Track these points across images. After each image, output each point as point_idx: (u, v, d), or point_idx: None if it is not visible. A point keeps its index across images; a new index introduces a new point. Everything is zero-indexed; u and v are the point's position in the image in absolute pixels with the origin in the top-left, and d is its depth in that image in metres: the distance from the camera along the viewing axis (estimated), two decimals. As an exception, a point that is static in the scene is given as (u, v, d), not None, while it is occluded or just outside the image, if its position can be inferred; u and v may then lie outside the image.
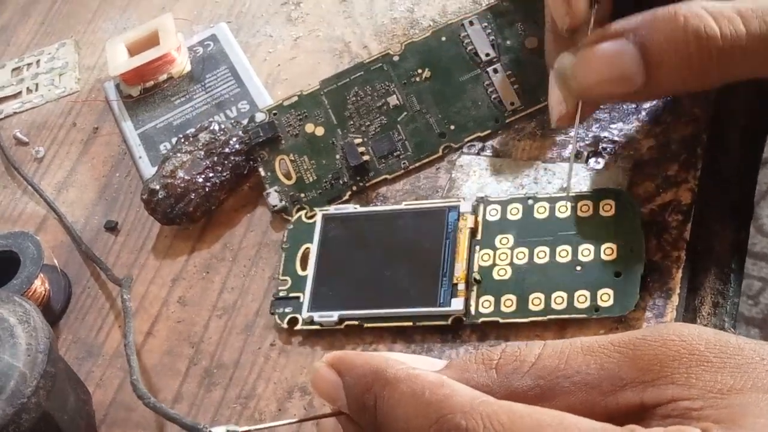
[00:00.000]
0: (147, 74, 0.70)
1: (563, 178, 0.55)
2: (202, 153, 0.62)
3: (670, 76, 0.43)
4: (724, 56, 0.39)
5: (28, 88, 0.77)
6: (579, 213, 0.51)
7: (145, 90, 0.70)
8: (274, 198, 0.61)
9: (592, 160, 0.56)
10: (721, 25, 0.39)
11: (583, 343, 0.35)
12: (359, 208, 0.57)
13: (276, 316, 0.55)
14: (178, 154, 0.62)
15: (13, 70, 0.79)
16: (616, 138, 0.57)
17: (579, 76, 0.47)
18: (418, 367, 0.36)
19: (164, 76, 0.69)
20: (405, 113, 0.61)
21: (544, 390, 0.34)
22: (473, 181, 0.58)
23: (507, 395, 0.35)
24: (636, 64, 0.43)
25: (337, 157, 0.60)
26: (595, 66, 0.45)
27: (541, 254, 0.51)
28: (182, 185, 0.61)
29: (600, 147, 0.56)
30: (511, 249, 0.52)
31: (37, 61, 0.79)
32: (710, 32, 0.40)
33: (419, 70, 0.62)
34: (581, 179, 0.55)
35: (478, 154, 0.59)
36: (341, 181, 0.59)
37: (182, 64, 0.70)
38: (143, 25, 0.72)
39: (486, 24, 0.61)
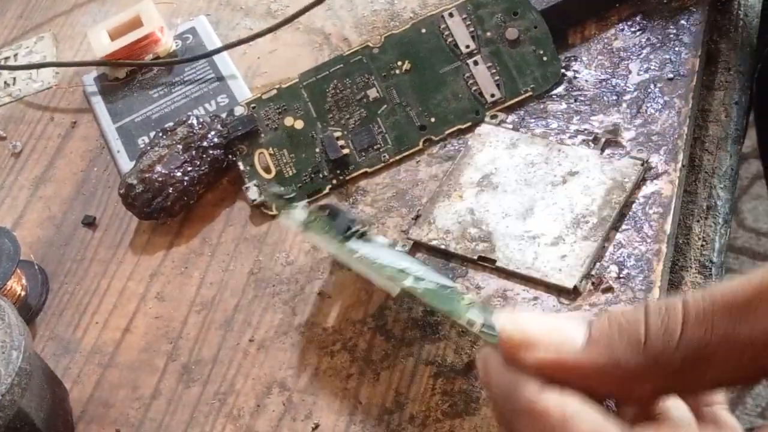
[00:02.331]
0: (132, 55, 0.69)
1: (574, 162, 0.55)
2: (181, 147, 0.61)
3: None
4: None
5: (5, 82, 0.76)
6: None
7: (131, 72, 0.69)
8: (253, 192, 0.60)
9: (608, 150, 0.55)
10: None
11: (725, 299, 0.31)
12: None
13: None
14: (156, 149, 0.62)
15: (-10, 64, 0.78)
16: (596, 129, 0.56)
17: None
18: (557, 332, 0.34)
19: (150, 57, 0.69)
20: (385, 106, 0.60)
21: (693, 363, 0.32)
22: (487, 152, 0.57)
23: (657, 378, 0.33)
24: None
25: (317, 150, 0.59)
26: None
27: None
28: (160, 180, 0.60)
29: (619, 137, 0.56)
30: None
31: (15, 55, 0.78)
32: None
33: (399, 63, 0.61)
34: (591, 166, 0.54)
35: (498, 124, 0.58)
36: (321, 175, 0.59)
37: (167, 43, 0.70)
38: (123, 12, 0.72)
39: (466, 16, 0.61)
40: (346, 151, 0.59)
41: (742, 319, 0.31)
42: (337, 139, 0.59)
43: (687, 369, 0.32)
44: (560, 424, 0.32)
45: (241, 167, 0.60)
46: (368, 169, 0.59)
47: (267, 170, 0.59)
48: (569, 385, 0.33)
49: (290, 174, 0.59)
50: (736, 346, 0.31)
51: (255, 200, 0.60)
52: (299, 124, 0.60)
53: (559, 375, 0.33)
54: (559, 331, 0.34)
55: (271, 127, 0.60)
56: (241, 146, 0.60)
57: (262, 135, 0.60)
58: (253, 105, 0.61)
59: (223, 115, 0.62)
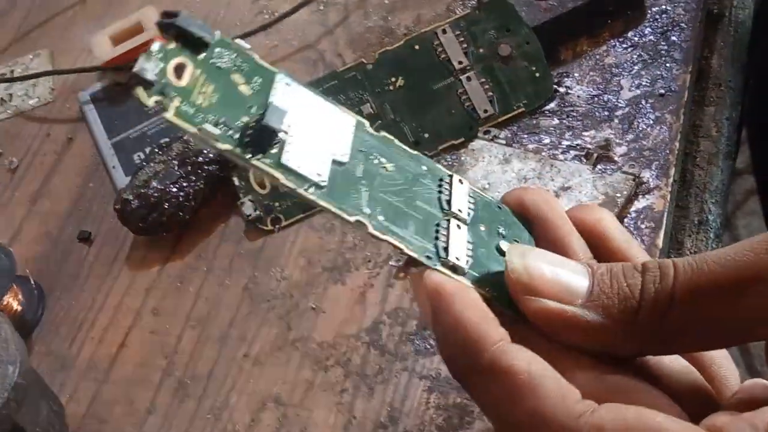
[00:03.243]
0: (133, 60, 0.70)
1: (566, 177, 0.55)
2: (176, 163, 0.61)
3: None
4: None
5: (1, 98, 0.77)
6: None
7: (131, 77, 0.70)
8: (248, 207, 0.60)
9: (600, 166, 0.56)
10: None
11: (715, 276, 0.31)
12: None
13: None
14: (152, 164, 0.62)
15: (-13, 80, 0.78)
16: (588, 145, 0.57)
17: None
18: (562, 281, 0.34)
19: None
20: (379, 122, 0.61)
21: (682, 334, 0.32)
22: (480, 167, 0.57)
23: (645, 343, 0.33)
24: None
25: None
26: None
27: None
28: (156, 195, 0.61)
29: (610, 153, 0.56)
30: None
31: (11, 72, 0.78)
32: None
33: (393, 79, 0.61)
34: (583, 181, 0.55)
35: (491, 140, 0.59)
36: None
37: None
38: (125, 19, 0.72)
39: (459, 32, 0.61)
40: (283, 135, 0.49)
41: (731, 301, 0.31)
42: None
43: (676, 338, 0.33)
44: (527, 385, 0.31)
45: (236, 183, 0.61)
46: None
47: (262, 185, 0.57)
48: (560, 337, 0.33)
49: (198, 101, 0.46)
50: (724, 324, 0.32)
51: (250, 215, 0.60)
52: (245, 89, 0.56)
53: (554, 326, 0.33)
54: (564, 279, 0.34)
55: (216, 65, 0.56)
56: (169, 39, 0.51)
57: (202, 56, 0.53)
58: (218, 37, 0.58)
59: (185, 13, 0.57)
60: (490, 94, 0.60)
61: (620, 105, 0.58)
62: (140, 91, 0.33)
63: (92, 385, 0.58)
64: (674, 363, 0.35)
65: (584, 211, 0.38)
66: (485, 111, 0.60)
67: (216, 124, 0.34)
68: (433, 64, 0.61)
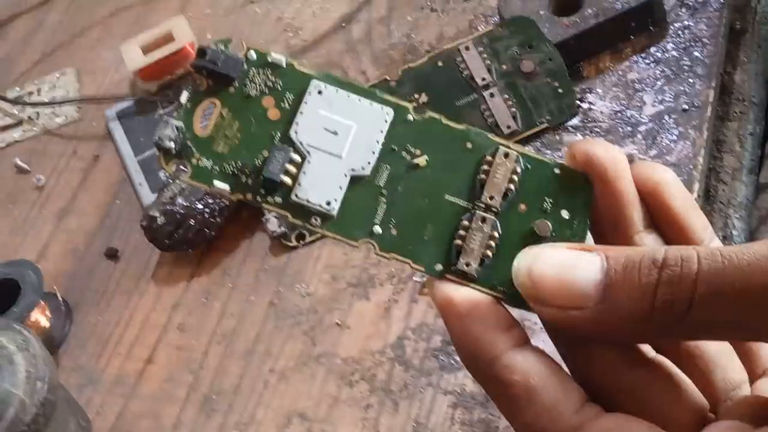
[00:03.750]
0: (165, 69, 0.72)
1: None
2: (202, 180, 0.62)
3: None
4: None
5: (29, 116, 0.78)
6: None
7: (161, 86, 0.72)
8: (273, 224, 0.61)
9: None
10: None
11: (739, 283, 0.31)
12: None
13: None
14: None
15: (15, 99, 0.79)
16: (612, 161, 0.57)
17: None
18: (570, 280, 0.33)
19: (181, 71, 0.72)
20: (403, 138, 0.61)
21: (697, 332, 0.32)
22: None
23: (660, 337, 0.33)
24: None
25: (264, 153, 0.59)
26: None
27: None
28: (182, 212, 0.61)
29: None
30: None
31: (38, 90, 0.79)
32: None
33: (416, 95, 0.62)
34: None
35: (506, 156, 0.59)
36: (244, 179, 0.58)
37: None
38: (156, 28, 0.73)
39: (482, 49, 0.62)
40: (286, 179, 0.37)
41: (757, 303, 0.30)
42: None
43: (695, 335, 0.33)
44: (524, 395, 0.32)
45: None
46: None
47: (202, 126, 0.39)
48: (576, 335, 0.33)
49: (219, 148, 0.38)
50: (748, 325, 0.31)
51: (275, 232, 0.61)
52: (274, 114, 0.38)
53: (566, 329, 0.33)
54: (572, 284, 0.33)
55: (246, 93, 0.38)
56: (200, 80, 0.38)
57: (232, 89, 0.38)
58: (254, 56, 0.42)
59: (214, 46, 0.44)
60: (513, 110, 0.60)
61: (643, 120, 0.58)
62: (161, 159, 0.36)
63: (119, 401, 0.58)
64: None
65: (647, 172, 0.36)
66: (508, 127, 0.60)
67: (231, 173, 0.36)
68: (457, 80, 0.61)
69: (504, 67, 0.61)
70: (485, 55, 0.61)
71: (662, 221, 0.36)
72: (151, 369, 0.59)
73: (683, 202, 0.36)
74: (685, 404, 0.33)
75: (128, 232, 0.66)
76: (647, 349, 0.35)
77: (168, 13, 0.78)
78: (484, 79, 0.61)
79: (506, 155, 0.37)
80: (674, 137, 0.57)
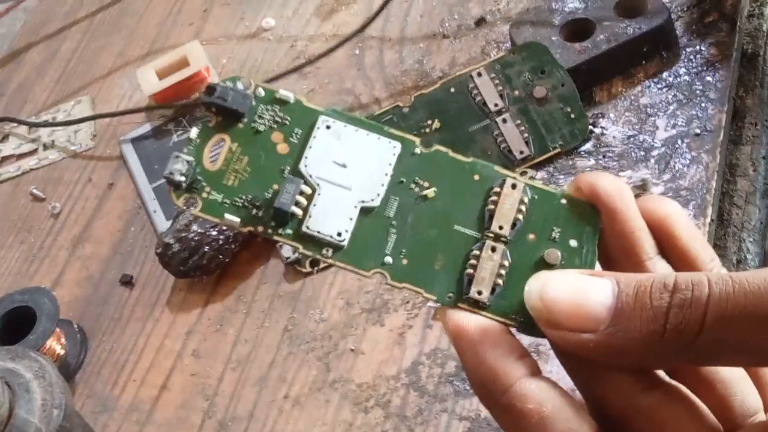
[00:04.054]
0: (180, 93, 0.73)
1: None
2: (216, 206, 0.62)
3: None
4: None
5: (44, 144, 0.78)
6: None
7: (176, 114, 0.73)
8: (287, 250, 0.61)
9: None
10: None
11: (748, 305, 0.31)
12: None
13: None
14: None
15: (30, 127, 0.80)
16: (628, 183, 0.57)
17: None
18: (582, 305, 0.33)
19: (196, 95, 0.73)
20: (416, 164, 0.61)
21: (709, 356, 0.32)
22: None
23: (672, 362, 0.33)
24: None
25: (274, 186, 0.58)
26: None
27: None
28: (196, 239, 0.61)
29: (647, 193, 0.56)
30: None
31: (54, 118, 0.80)
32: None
33: (429, 121, 0.62)
34: None
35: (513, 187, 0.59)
36: (254, 211, 0.58)
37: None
38: (171, 52, 0.74)
39: (494, 75, 0.62)
40: (297, 211, 0.37)
41: (762, 332, 0.30)
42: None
43: (706, 360, 0.32)
44: (538, 424, 0.32)
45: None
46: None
47: (212, 160, 0.41)
48: (587, 359, 0.33)
49: (229, 182, 0.40)
50: (760, 350, 0.31)
51: (289, 258, 0.61)
52: (283, 148, 0.39)
53: (579, 353, 0.33)
54: (584, 307, 0.33)
55: (255, 129, 0.40)
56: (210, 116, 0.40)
57: (241, 124, 0.40)
58: (262, 93, 0.40)
59: (227, 83, 0.48)
60: (526, 135, 0.60)
61: (656, 145, 0.58)
62: (171, 193, 0.37)
63: (134, 427, 0.58)
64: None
65: (653, 204, 0.37)
66: (521, 152, 0.60)
67: (242, 206, 0.37)
68: (469, 106, 0.62)
69: (516, 92, 0.61)
70: (497, 81, 0.62)
71: (670, 253, 0.36)
72: (166, 395, 0.59)
73: (690, 233, 0.36)
74: (702, 428, 0.33)
75: (143, 259, 0.67)
76: (661, 374, 0.35)
77: (182, 40, 0.79)
78: (496, 105, 0.61)
79: (513, 186, 0.37)
80: (687, 161, 0.57)
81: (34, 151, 0.78)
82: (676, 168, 0.57)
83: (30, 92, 0.83)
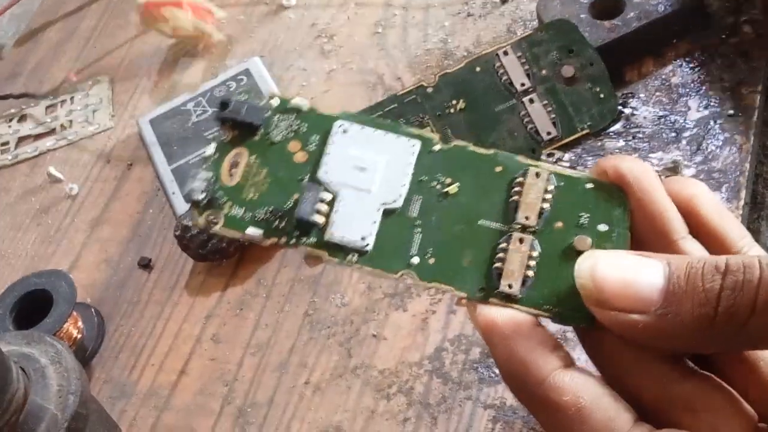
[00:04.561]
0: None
1: None
2: (235, 188, 0.61)
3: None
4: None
5: (62, 125, 0.77)
6: None
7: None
8: (308, 233, 0.60)
9: None
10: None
11: None
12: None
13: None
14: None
15: (48, 107, 0.79)
16: (656, 167, 0.55)
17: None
18: (632, 285, 0.32)
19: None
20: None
21: (759, 340, 0.31)
22: None
23: (722, 345, 0.32)
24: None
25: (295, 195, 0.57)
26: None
27: None
28: (215, 221, 0.60)
29: (679, 175, 0.55)
30: None
31: (72, 98, 0.79)
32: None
33: (454, 102, 0.61)
34: None
35: (555, 163, 0.58)
36: (278, 224, 0.57)
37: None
38: None
39: (521, 54, 0.60)
40: (319, 219, 0.37)
41: None
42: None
43: (758, 343, 0.32)
44: (575, 416, 0.32)
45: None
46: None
47: (231, 175, 0.41)
48: (635, 342, 0.33)
49: (249, 196, 0.40)
50: None
51: (310, 241, 0.60)
52: (300, 157, 0.40)
53: (627, 335, 0.32)
54: (635, 288, 0.32)
55: (272, 139, 0.41)
56: (225, 131, 0.41)
57: (257, 137, 0.40)
58: (277, 102, 0.41)
59: (236, 97, 0.46)
60: (554, 116, 0.59)
61: (688, 126, 0.57)
62: (193, 211, 0.37)
63: (153, 413, 0.57)
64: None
65: (679, 185, 0.37)
66: (548, 133, 0.58)
67: (263, 219, 0.37)
68: (495, 86, 0.60)
69: (544, 72, 0.59)
70: (524, 60, 0.60)
71: (699, 233, 0.36)
72: (184, 381, 0.58)
73: (718, 212, 0.36)
74: (739, 415, 0.33)
75: (161, 242, 0.66)
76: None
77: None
78: (523, 85, 0.59)
79: (537, 175, 0.37)
80: (720, 143, 0.55)
81: (51, 131, 0.77)
82: (709, 150, 0.55)
83: (47, 72, 0.82)
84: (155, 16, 0.73)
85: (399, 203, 0.37)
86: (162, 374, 0.59)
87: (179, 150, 0.68)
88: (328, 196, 0.37)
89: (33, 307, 0.59)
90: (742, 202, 0.53)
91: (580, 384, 0.32)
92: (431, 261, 0.36)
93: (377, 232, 0.36)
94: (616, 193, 0.36)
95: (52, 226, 0.70)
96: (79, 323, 0.61)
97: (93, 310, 0.63)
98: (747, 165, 0.54)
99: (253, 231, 0.37)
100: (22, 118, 0.79)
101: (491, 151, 0.37)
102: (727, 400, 0.33)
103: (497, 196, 0.37)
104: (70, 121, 0.77)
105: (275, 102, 0.38)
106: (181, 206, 0.65)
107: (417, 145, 0.38)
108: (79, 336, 0.60)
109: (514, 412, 0.50)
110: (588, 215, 0.36)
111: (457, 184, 0.37)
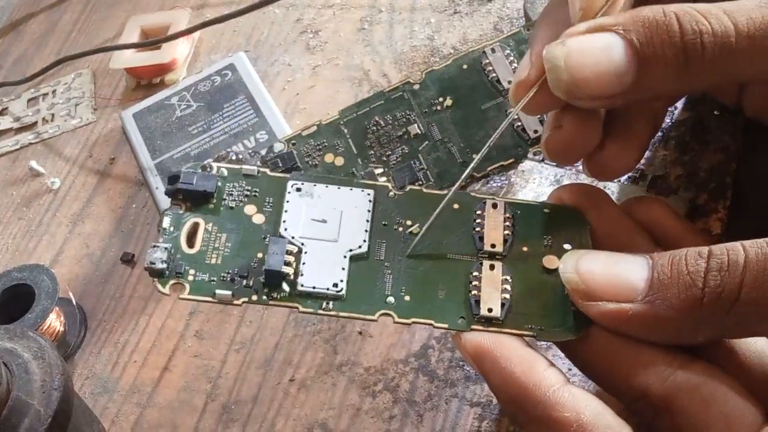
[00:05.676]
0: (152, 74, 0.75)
1: (620, 200, 0.54)
2: (220, 184, 0.61)
3: (659, 75, 0.37)
4: (713, 55, 0.36)
5: (44, 118, 0.76)
6: None
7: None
8: (293, 229, 0.60)
9: (654, 188, 0.54)
10: (711, 22, 0.36)
11: None
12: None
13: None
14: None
15: (29, 100, 0.78)
16: (641, 166, 0.55)
17: (572, 67, 0.39)
18: (617, 278, 0.33)
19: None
20: (426, 142, 0.60)
21: (747, 323, 0.32)
22: (531, 188, 0.56)
23: (711, 331, 0.32)
24: (626, 61, 0.38)
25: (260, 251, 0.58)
26: (589, 59, 0.39)
27: None
28: (200, 217, 0.60)
29: (665, 174, 0.55)
30: None
31: (53, 92, 0.78)
32: (702, 28, 0.36)
33: (440, 99, 0.60)
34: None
35: (542, 161, 0.58)
36: (244, 282, 0.57)
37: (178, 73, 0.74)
38: (158, 14, 0.77)
39: (508, 51, 0.60)
40: (288, 270, 0.39)
41: None
42: (378, 175, 0.58)
43: (748, 327, 0.32)
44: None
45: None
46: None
47: (190, 244, 0.41)
48: (627, 333, 0.33)
49: (213, 261, 0.40)
50: None
51: (295, 237, 0.59)
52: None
53: (618, 326, 0.33)
54: (620, 278, 0.33)
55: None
56: (179, 203, 0.42)
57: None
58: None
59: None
60: (540, 114, 0.58)
61: (674, 126, 0.57)
62: (156, 283, 0.38)
63: (135, 409, 0.57)
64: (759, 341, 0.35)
65: (636, 203, 0.38)
66: (535, 131, 0.58)
67: (230, 280, 0.38)
68: (482, 83, 0.60)
69: (531, 69, 0.59)
70: (512, 58, 0.60)
71: (667, 245, 0.37)
72: (168, 377, 0.57)
73: (679, 223, 0.38)
74: (745, 399, 0.33)
75: (145, 237, 0.65)
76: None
77: (185, 14, 0.77)
78: (510, 82, 0.59)
79: (494, 206, 0.39)
80: (706, 143, 0.55)
81: (33, 125, 0.76)
82: (695, 150, 0.55)
83: (29, 65, 0.81)
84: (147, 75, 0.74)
85: (364, 249, 0.38)
86: (145, 370, 0.58)
87: (163, 144, 0.68)
88: (294, 248, 0.38)
89: (15, 301, 0.59)
90: (728, 203, 0.53)
91: (580, 400, 0.32)
92: (407, 298, 0.37)
93: (348, 278, 0.38)
94: (573, 214, 0.38)
95: (33, 221, 0.69)
96: (62, 318, 0.60)
97: (75, 305, 0.62)
98: (733, 165, 0.55)
99: (222, 292, 0.38)
100: (3, 111, 0.78)
101: (444, 191, 0.40)
102: (732, 385, 0.33)
103: (461, 231, 0.39)
104: (52, 115, 0.76)
105: (224, 172, 0.40)
106: (165, 201, 0.64)
107: (371, 194, 0.40)
108: (62, 330, 0.60)
109: (499, 410, 0.50)
110: (551, 237, 0.38)
111: (418, 224, 0.39)
